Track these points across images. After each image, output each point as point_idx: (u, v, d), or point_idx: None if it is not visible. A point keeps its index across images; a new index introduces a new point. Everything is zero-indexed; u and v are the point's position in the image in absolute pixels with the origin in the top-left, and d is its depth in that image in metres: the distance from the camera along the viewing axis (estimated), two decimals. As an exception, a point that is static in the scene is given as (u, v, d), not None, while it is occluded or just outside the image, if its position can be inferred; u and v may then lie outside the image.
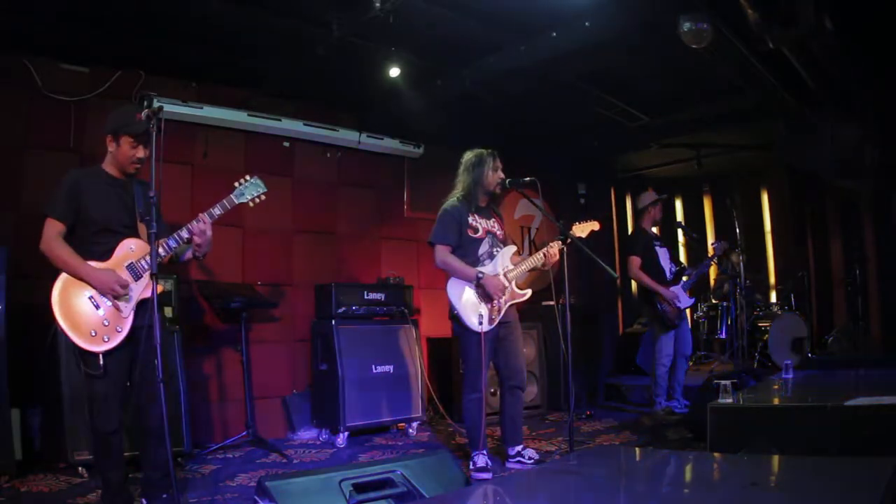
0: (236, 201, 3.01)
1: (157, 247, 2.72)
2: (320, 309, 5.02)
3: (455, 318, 3.76)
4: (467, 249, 3.81)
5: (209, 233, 2.91)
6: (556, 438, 4.65)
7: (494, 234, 3.92)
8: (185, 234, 2.87)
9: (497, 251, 3.88)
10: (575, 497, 2.31)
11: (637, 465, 2.88)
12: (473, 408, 3.71)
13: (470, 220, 3.83)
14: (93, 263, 2.78)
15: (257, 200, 3.07)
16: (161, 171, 2.60)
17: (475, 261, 3.82)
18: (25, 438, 3.79)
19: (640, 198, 5.72)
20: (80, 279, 2.73)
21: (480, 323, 3.65)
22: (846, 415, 2.88)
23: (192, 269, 4.71)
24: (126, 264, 2.82)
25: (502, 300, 3.76)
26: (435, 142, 6.10)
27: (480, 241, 3.85)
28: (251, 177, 3.08)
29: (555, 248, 3.79)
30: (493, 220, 3.98)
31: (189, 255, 3.04)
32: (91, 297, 2.73)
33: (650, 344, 5.74)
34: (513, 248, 3.96)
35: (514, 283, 3.83)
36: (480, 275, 3.70)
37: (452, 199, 3.90)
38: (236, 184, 3.05)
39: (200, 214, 2.91)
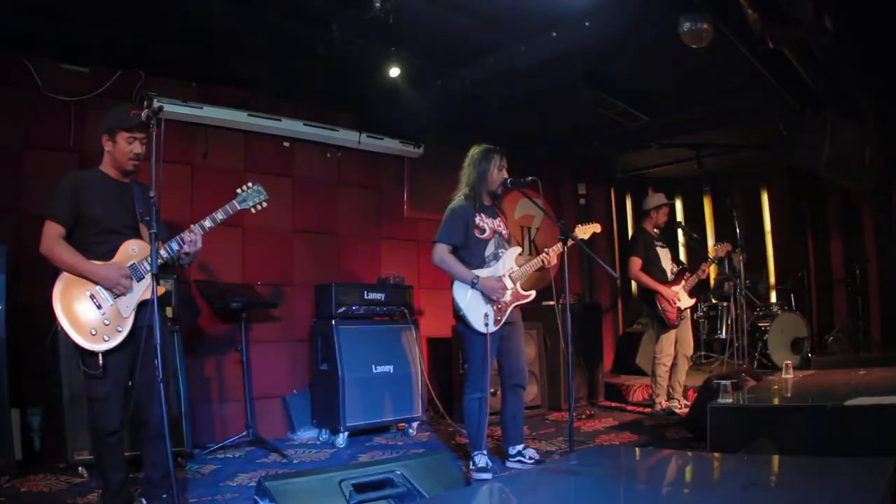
0: (238, 207, 3.04)
1: (159, 248, 2.73)
2: (320, 309, 5.02)
3: (461, 319, 3.75)
4: (474, 250, 3.78)
5: (199, 244, 2.92)
6: (556, 438, 4.65)
7: (501, 234, 3.90)
8: (175, 245, 2.86)
9: (502, 252, 3.87)
10: (575, 497, 2.32)
11: (637, 465, 2.89)
12: (475, 407, 3.70)
13: (477, 220, 3.80)
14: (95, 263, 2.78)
15: (259, 207, 3.10)
16: (161, 171, 2.60)
17: (482, 262, 3.79)
18: (25, 438, 3.80)
19: (646, 199, 5.71)
20: (84, 277, 2.73)
21: (486, 324, 3.64)
22: (846, 415, 2.89)
23: (192, 269, 4.71)
24: (128, 265, 2.81)
25: (507, 300, 3.75)
26: (435, 142, 6.10)
27: (487, 241, 3.82)
28: (254, 183, 3.11)
29: (558, 248, 3.79)
30: (499, 219, 3.95)
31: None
32: (92, 296, 2.73)
33: (650, 344, 5.75)
34: (517, 250, 3.95)
35: (518, 283, 3.82)
36: (476, 279, 3.68)
37: (459, 198, 3.86)
38: (239, 190, 3.08)
39: (193, 226, 2.91)
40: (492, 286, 3.68)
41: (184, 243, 2.87)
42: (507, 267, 3.83)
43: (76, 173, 2.95)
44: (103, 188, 2.87)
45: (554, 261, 3.82)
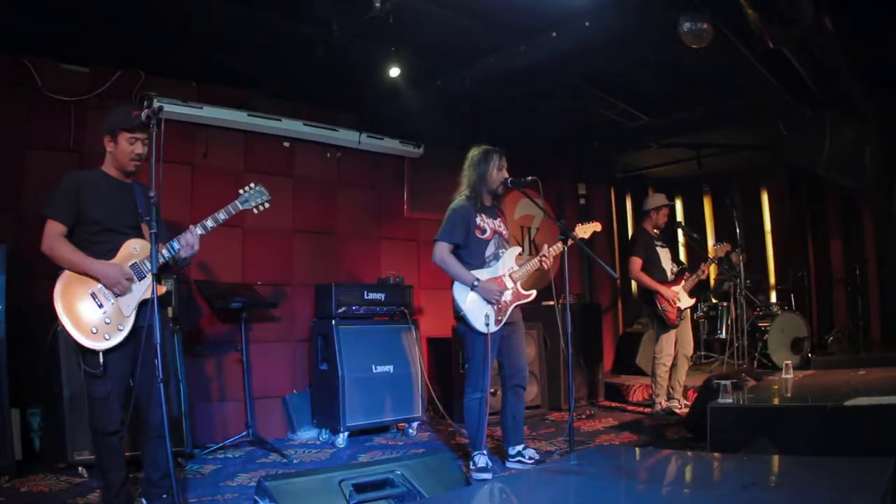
0: (241, 207, 3.05)
1: (159, 248, 2.74)
2: (320, 309, 5.02)
3: (461, 319, 3.75)
4: (474, 251, 3.79)
5: (196, 246, 2.92)
6: (556, 438, 4.65)
7: (501, 234, 3.91)
8: (176, 245, 2.86)
9: (502, 252, 3.87)
10: (575, 497, 2.32)
11: (637, 465, 2.89)
12: (476, 407, 3.70)
13: (478, 220, 3.81)
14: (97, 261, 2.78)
15: (261, 208, 3.11)
16: (161, 171, 2.60)
17: (482, 262, 3.80)
18: (25, 438, 3.80)
19: (646, 200, 5.71)
20: (86, 274, 2.74)
21: (487, 325, 3.64)
22: (846, 415, 2.89)
23: (192, 269, 4.71)
24: (129, 264, 2.82)
25: (508, 299, 3.75)
26: (435, 142, 6.10)
27: (488, 242, 3.83)
28: (256, 184, 3.12)
29: (557, 248, 3.80)
30: (499, 219, 3.96)
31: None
32: (94, 295, 2.73)
33: (650, 344, 5.75)
34: (517, 249, 3.96)
35: (518, 283, 3.82)
36: (476, 282, 3.68)
37: (460, 199, 3.87)
38: (241, 191, 3.08)
39: (191, 227, 2.92)
40: (490, 289, 3.68)
41: (180, 245, 2.88)
42: (508, 267, 3.83)
43: (78, 173, 2.96)
44: (105, 188, 2.88)
45: (551, 261, 3.82)
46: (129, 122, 2.81)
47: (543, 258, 3.79)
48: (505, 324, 3.77)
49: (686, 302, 5.40)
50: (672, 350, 5.35)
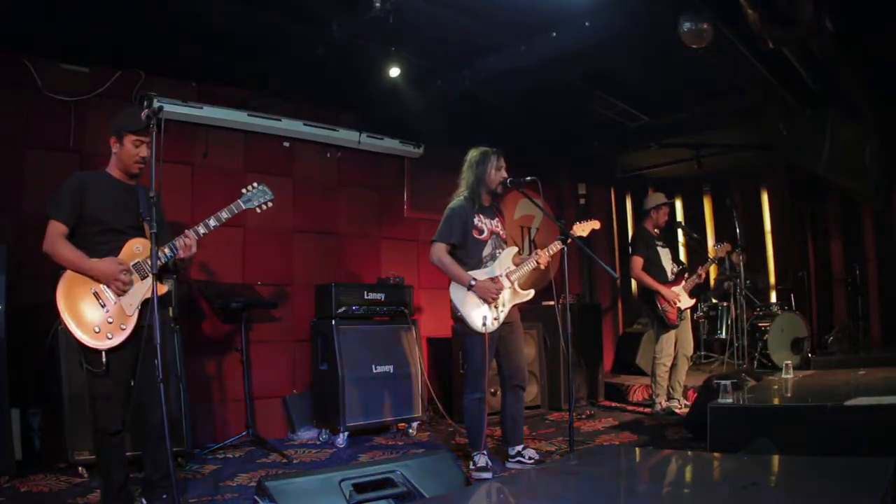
0: (244, 206, 3.06)
1: (160, 249, 2.74)
2: (320, 309, 5.02)
3: (459, 320, 3.75)
4: (471, 251, 3.80)
5: (194, 249, 2.93)
6: (556, 438, 4.65)
7: (498, 235, 3.92)
8: (179, 242, 2.87)
9: (499, 252, 3.88)
10: (575, 497, 2.32)
11: (637, 465, 2.88)
12: (475, 408, 3.71)
13: (475, 220, 3.82)
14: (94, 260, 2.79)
15: (264, 207, 3.12)
16: (161, 171, 2.61)
17: (479, 262, 3.81)
18: (25, 438, 3.80)
19: (646, 199, 5.71)
20: (84, 273, 2.74)
21: (484, 324, 3.65)
22: (846, 415, 2.89)
23: (192, 269, 4.71)
24: (132, 263, 2.83)
25: (506, 300, 3.76)
26: (435, 142, 6.10)
27: (485, 242, 3.84)
28: (259, 184, 3.12)
29: (552, 249, 3.80)
30: (497, 219, 3.98)
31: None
32: (96, 294, 2.74)
33: (650, 344, 5.75)
34: (514, 249, 3.96)
35: (516, 283, 3.83)
36: (473, 282, 3.68)
37: (459, 199, 3.89)
38: (244, 190, 3.09)
39: (187, 230, 2.92)
40: (487, 289, 3.68)
41: (177, 249, 2.88)
42: (504, 267, 3.84)
43: (82, 174, 2.99)
44: (108, 189, 2.90)
45: (545, 260, 3.83)
46: (135, 124, 2.82)
47: (538, 258, 3.79)
48: (503, 324, 3.77)
49: (686, 302, 5.40)
50: (672, 350, 5.35)
